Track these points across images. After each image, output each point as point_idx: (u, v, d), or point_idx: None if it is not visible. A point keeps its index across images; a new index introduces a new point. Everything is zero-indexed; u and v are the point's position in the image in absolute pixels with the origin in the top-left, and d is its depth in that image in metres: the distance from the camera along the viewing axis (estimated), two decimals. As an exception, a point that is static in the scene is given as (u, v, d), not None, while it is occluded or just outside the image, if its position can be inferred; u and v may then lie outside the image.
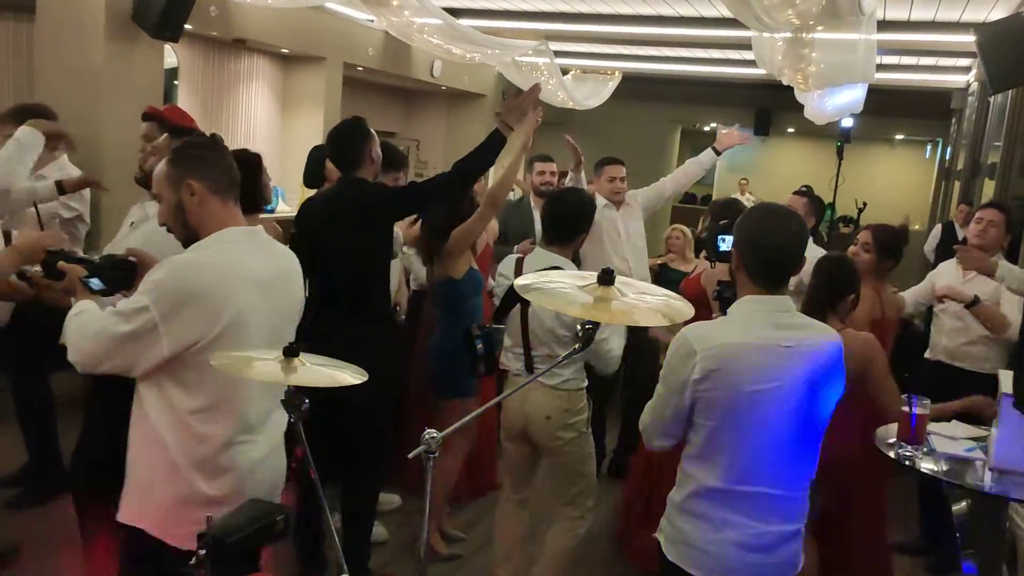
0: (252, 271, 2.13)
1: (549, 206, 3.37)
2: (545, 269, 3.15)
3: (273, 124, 8.62)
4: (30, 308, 3.45)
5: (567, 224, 3.28)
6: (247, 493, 2.07)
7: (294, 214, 4.08)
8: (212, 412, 2.09)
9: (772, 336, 2.08)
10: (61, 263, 2.28)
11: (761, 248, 2.14)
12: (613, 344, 3.15)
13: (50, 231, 3.02)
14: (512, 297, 3.39)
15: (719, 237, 2.89)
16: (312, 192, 4.69)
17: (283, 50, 8.16)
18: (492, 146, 3.46)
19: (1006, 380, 2.57)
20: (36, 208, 3.40)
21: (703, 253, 4.32)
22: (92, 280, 2.27)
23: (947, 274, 4.15)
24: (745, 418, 2.07)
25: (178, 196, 2.14)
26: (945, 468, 2.71)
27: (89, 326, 2.09)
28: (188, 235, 2.16)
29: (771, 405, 2.06)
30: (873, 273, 3.64)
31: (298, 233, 3.57)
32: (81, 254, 2.44)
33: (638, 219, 5.02)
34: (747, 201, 14.84)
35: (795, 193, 4.75)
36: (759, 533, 2.10)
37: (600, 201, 4.93)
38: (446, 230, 3.77)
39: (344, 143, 3.49)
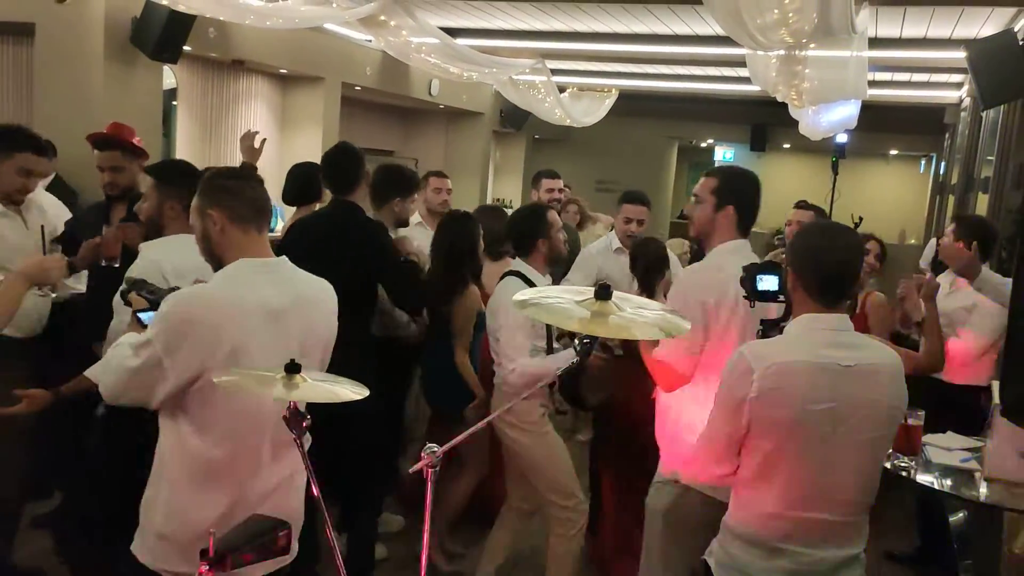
0: (259, 302, 2.11)
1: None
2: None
3: (271, 144, 8.63)
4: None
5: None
6: None
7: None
8: (221, 447, 2.08)
9: (831, 355, 2.04)
10: (132, 295, 2.32)
11: (822, 265, 2.10)
12: (517, 355, 3.34)
13: (54, 257, 3.04)
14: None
15: (757, 276, 2.89)
16: (292, 209, 4.73)
17: (281, 70, 8.23)
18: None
19: (998, 390, 2.60)
20: (43, 232, 3.42)
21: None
22: (146, 314, 2.26)
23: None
24: (802, 438, 2.02)
25: (203, 225, 2.18)
26: (941, 479, 2.73)
27: (112, 360, 2.13)
28: (215, 264, 2.19)
29: (829, 426, 2.01)
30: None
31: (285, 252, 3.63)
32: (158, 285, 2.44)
33: None
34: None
35: (801, 206, 4.78)
36: (814, 560, 2.06)
37: (612, 243, 4.72)
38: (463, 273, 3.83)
39: (345, 165, 3.56)
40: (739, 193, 2.79)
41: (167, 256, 2.75)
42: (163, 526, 2.10)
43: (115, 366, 2.10)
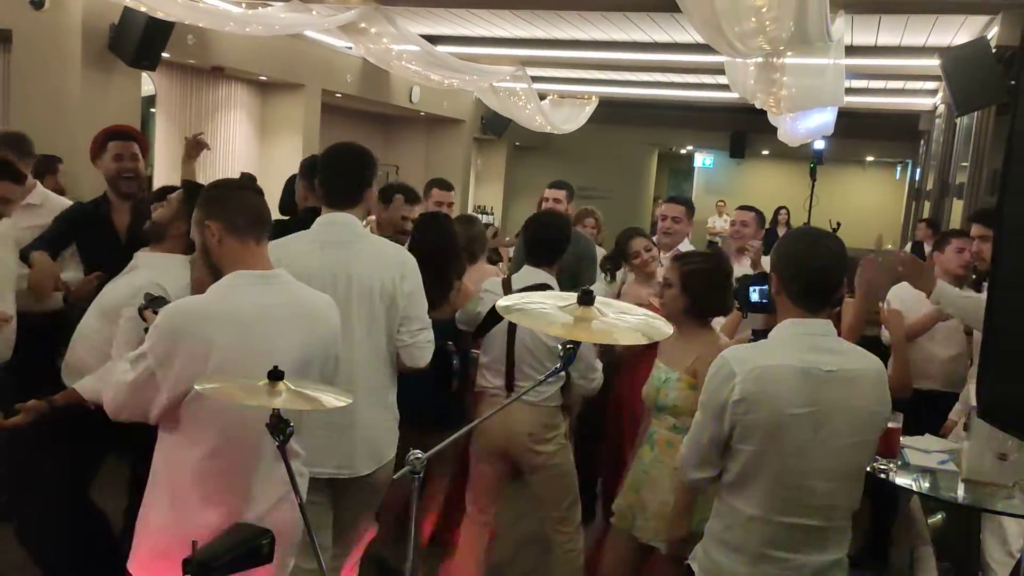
0: (252, 315, 2.10)
1: (533, 229, 3.46)
2: (534, 287, 3.24)
3: (251, 151, 8.64)
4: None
5: (551, 245, 3.40)
6: None
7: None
8: (213, 461, 2.06)
9: (813, 360, 2.05)
10: (148, 311, 2.31)
11: (805, 270, 2.11)
12: (598, 363, 3.31)
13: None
14: (497, 314, 3.41)
15: (750, 288, 2.90)
16: (284, 219, 4.70)
17: (261, 77, 8.21)
18: None
19: (974, 392, 2.63)
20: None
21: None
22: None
23: (902, 297, 3.92)
24: (784, 443, 2.03)
25: (202, 237, 2.18)
26: (919, 481, 2.77)
27: (112, 374, 2.15)
28: (215, 276, 2.18)
29: (811, 430, 2.03)
30: None
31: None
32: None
33: None
34: (724, 223, 15.05)
35: (741, 208, 4.84)
36: (797, 566, 2.07)
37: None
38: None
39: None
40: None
41: (162, 275, 2.73)
42: (158, 542, 2.08)
43: (114, 380, 2.11)
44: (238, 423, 2.05)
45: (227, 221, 2.15)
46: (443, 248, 3.66)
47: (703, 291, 2.85)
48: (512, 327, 3.27)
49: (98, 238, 3.51)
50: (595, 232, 5.41)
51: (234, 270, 2.14)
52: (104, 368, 2.62)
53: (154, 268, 2.79)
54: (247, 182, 2.36)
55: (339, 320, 2.36)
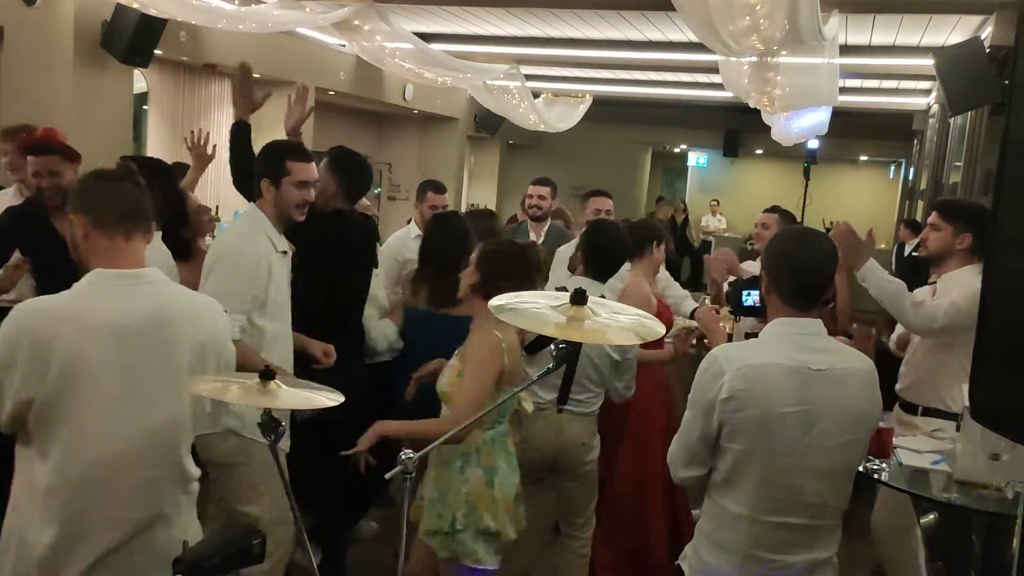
0: (104, 318, 1.92)
1: (591, 238, 3.38)
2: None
3: (244, 148, 8.60)
4: None
5: (611, 258, 3.36)
6: None
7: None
8: (60, 476, 1.90)
9: (802, 359, 2.05)
10: None
11: (795, 270, 2.12)
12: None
13: None
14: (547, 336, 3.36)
15: (744, 292, 2.88)
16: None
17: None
18: (237, 136, 3.77)
19: (967, 393, 2.63)
20: None
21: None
22: None
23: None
24: (772, 441, 2.03)
25: (71, 231, 2.03)
26: (911, 481, 2.77)
27: None
28: (83, 273, 2.01)
29: (799, 429, 2.03)
30: None
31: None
32: None
33: None
34: (717, 222, 15.08)
35: (767, 211, 4.79)
36: (785, 565, 2.08)
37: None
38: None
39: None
40: None
41: None
42: (12, 560, 1.95)
43: None
44: (81, 439, 1.90)
45: (93, 215, 1.98)
46: (454, 246, 3.60)
47: (491, 275, 2.69)
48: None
49: (44, 243, 3.26)
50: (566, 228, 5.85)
51: (96, 267, 1.98)
52: None
53: None
54: (124, 172, 2.11)
55: (221, 321, 2.18)
